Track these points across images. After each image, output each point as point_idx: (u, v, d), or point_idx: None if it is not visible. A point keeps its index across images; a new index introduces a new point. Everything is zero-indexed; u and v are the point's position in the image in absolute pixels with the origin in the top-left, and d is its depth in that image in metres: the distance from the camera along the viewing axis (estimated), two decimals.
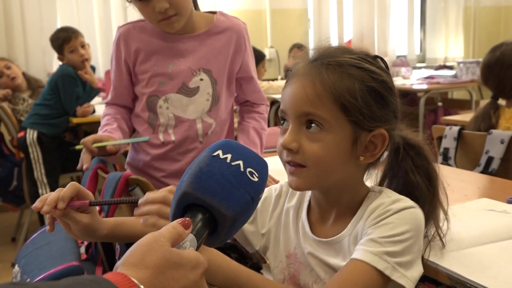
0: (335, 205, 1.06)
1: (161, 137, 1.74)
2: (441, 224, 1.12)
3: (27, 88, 3.93)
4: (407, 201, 0.99)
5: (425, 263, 1.09)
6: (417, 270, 0.96)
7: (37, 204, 1.03)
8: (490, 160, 2.15)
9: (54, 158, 3.50)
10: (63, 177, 3.71)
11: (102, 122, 1.78)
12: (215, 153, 0.72)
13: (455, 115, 4.66)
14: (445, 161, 2.32)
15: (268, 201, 1.17)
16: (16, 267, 1.54)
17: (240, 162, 0.72)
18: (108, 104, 1.86)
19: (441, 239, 1.11)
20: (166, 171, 1.74)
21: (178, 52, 1.70)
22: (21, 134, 3.44)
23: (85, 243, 1.49)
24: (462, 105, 5.08)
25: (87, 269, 1.39)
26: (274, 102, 4.26)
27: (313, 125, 0.97)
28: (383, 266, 0.92)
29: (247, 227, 1.15)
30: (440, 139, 2.41)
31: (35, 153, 3.41)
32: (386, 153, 1.06)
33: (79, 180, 4.21)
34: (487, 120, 2.35)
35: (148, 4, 1.57)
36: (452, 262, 1.08)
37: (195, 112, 1.73)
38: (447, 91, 5.36)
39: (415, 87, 4.84)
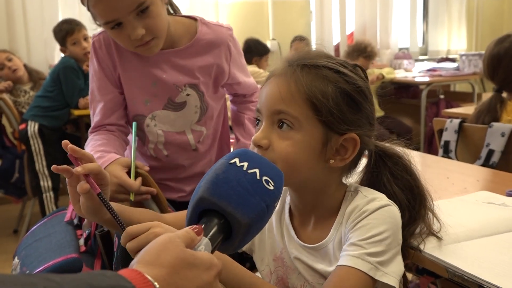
0: (313, 209, 1.08)
1: (152, 153, 1.66)
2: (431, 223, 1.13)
3: (28, 80, 3.94)
4: (381, 199, 1.01)
5: (423, 256, 1.09)
6: (397, 265, 0.98)
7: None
8: (490, 153, 2.15)
9: (55, 150, 3.50)
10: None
11: (92, 149, 1.51)
12: (232, 161, 0.74)
13: (457, 107, 4.67)
14: (446, 153, 2.32)
15: None
16: (16, 259, 1.54)
17: (257, 171, 0.73)
18: (93, 131, 1.60)
19: (435, 235, 1.12)
20: (166, 176, 1.69)
21: (160, 68, 1.57)
22: (22, 126, 3.45)
23: (84, 235, 1.49)
24: (464, 98, 5.07)
25: (86, 261, 1.40)
26: None
27: (284, 123, 0.99)
28: (367, 268, 0.94)
29: None
30: (441, 131, 2.40)
31: (37, 145, 3.42)
32: (364, 162, 1.09)
33: None
34: (493, 114, 2.32)
35: (121, 31, 1.43)
36: (449, 255, 1.08)
37: (183, 125, 1.65)
38: (449, 84, 5.35)
39: (417, 79, 4.83)
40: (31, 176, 3.51)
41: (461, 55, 5.14)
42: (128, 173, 1.42)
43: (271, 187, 0.73)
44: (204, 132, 1.68)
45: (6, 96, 3.71)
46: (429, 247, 1.10)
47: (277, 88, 1.00)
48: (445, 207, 1.35)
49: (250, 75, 1.77)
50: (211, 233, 0.67)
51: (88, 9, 1.44)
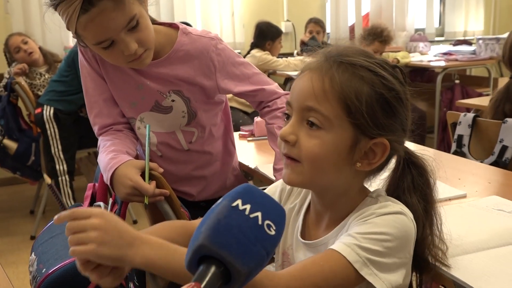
0: (330, 210, 1.05)
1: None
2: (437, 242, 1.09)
3: (43, 62, 3.97)
4: (394, 207, 0.97)
5: (432, 267, 1.10)
6: (395, 276, 0.94)
7: None
8: (504, 149, 2.14)
9: (70, 134, 3.54)
10: (79, 153, 3.76)
11: (104, 151, 1.54)
12: (235, 203, 0.71)
13: (471, 97, 4.63)
14: (459, 148, 2.31)
15: (283, 195, 1.17)
16: (33, 255, 1.58)
17: (259, 214, 0.71)
18: (101, 133, 1.62)
19: (441, 262, 1.09)
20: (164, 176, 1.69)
21: (144, 74, 1.56)
22: (38, 110, 3.48)
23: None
24: (480, 82, 5.02)
25: None
26: (290, 79, 4.24)
27: (313, 121, 0.95)
28: (353, 258, 0.91)
29: None
30: (454, 125, 2.39)
31: (52, 130, 3.45)
32: (390, 168, 1.05)
33: (96, 157, 4.25)
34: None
35: (113, 49, 1.40)
36: (457, 268, 1.09)
37: (172, 126, 1.64)
38: (465, 68, 5.29)
39: (433, 64, 4.78)
40: (46, 159, 3.55)
41: (478, 39, 5.07)
42: (142, 175, 1.44)
43: (272, 232, 0.71)
44: (196, 133, 1.67)
45: (22, 79, 3.74)
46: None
47: (311, 83, 0.96)
48: (456, 213, 1.37)
49: (261, 82, 1.65)
50: (209, 283, 0.66)
51: (75, 32, 1.40)
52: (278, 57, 4.51)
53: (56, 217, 0.89)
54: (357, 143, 0.96)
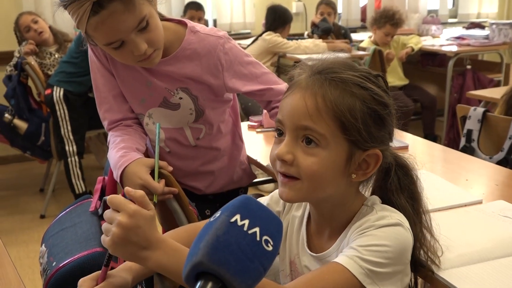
0: (329, 220, 1.08)
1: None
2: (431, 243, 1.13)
3: (54, 42, 3.96)
4: (392, 218, 1.00)
5: (435, 278, 1.12)
6: (394, 283, 0.97)
7: None
8: None
9: (80, 115, 3.56)
10: (89, 133, 3.78)
11: (114, 147, 1.56)
12: (233, 219, 0.72)
13: (483, 82, 4.59)
14: (468, 143, 2.31)
15: (287, 204, 1.20)
16: (43, 247, 1.61)
17: (257, 230, 0.72)
18: (111, 128, 1.63)
19: (433, 262, 1.12)
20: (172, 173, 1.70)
21: (152, 72, 1.57)
22: (48, 91, 3.49)
23: None
24: (492, 68, 4.97)
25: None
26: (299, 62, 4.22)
27: (310, 140, 0.98)
28: (357, 271, 0.94)
29: None
30: (464, 118, 2.39)
31: (62, 111, 3.47)
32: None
33: (105, 137, 4.26)
34: None
35: (123, 49, 1.41)
36: (462, 280, 1.10)
37: (180, 122, 1.64)
38: (477, 53, 5.23)
39: (445, 48, 4.73)
40: (56, 140, 3.58)
41: (491, 24, 5.01)
42: (152, 173, 1.46)
43: (270, 248, 0.72)
44: (204, 130, 1.67)
45: (32, 59, 3.74)
46: (441, 269, 1.13)
47: (304, 102, 0.98)
48: (461, 219, 1.38)
49: (269, 82, 1.65)
50: None
51: (85, 33, 1.41)
52: (288, 39, 4.47)
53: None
54: (352, 156, 1.00)
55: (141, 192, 0.96)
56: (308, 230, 1.14)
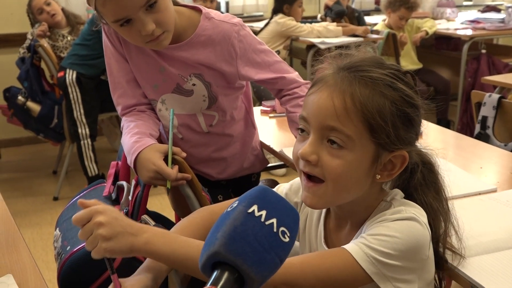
0: (349, 216, 1.06)
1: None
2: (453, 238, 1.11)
3: (66, 24, 3.95)
4: (406, 212, 0.97)
5: (448, 267, 1.11)
6: (405, 280, 0.95)
7: None
8: None
9: (93, 98, 3.56)
10: (101, 116, 3.79)
11: (128, 132, 1.56)
12: (251, 210, 0.71)
13: (498, 67, 4.53)
14: (483, 129, 2.29)
15: None
16: (57, 231, 1.62)
17: (274, 221, 0.72)
18: (124, 113, 1.63)
19: (457, 253, 1.11)
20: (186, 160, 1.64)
21: (165, 57, 1.56)
22: (60, 74, 3.50)
23: (122, 212, 1.55)
24: (507, 52, 4.92)
25: None
26: (312, 46, 4.19)
27: (335, 140, 0.94)
28: (361, 258, 0.93)
29: None
30: (479, 104, 2.36)
31: (74, 94, 3.48)
32: None
33: (118, 120, 4.27)
34: None
35: (131, 28, 1.41)
36: (475, 269, 1.10)
37: (193, 108, 1.64)
38: (492, 37, 5.16)
39: (459, 32, 4.67)
40: (69, 123, 3.59)
41: (508, 7, 4.93)
42: (165, 159, 1.46)
43: (287, 239, 0.72)
44: (216, 117, 1.67)
45: (44, 41, 3.75)
46: (454, 258, 1.12)
47: (331, 101, 0.94)
48: (475, 208, 1.37)
49: (281, 70, 1.64)
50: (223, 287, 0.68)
51: (95, 9, 1.42)
52: (301, 22, 4.43)
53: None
54: (378, 158, 0.97)
55: (92, 201, 0.97)
56: (326, 225, 1.12)
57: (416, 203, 1.03)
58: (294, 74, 1.65)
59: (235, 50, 1.56)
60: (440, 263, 1.09)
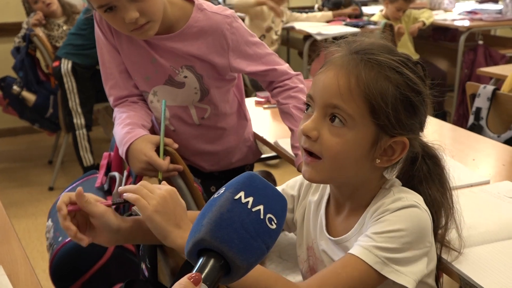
0: (349, 200, 1.08)
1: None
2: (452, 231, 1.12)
3: (62, 14, 3.94)
4: (407, 200, 0.99)
5: (439, 259, 1.11)
6: (418, 266, 0.97)
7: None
8: None
9: (88, 88, 3.55)
10: (97, 106, 3.78)
11: (120, 123, 1.56)
12: (237, 196, 0.71)
13: (495, 58, 4.52)
14: (477, 121, 2.29)
15: (302, 189, 1.20)
16: (50, 222, 1.62)
17: (261, 208, 0.71)
18: (116, 104, 1.63)
19: (453, 249, 1.12)
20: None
21: (157, 48, 1.56)
22: (56, 63, 3.49)
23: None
24: (504, 43, 4.90)
25: None
26: (309, 36, 4.17)
27: (337, 119, 0.96)
28: (372, 260, 0.94)
29: (288, 215, 1.18)
30: (473, 96, 2.36)
31: (70, 83, 3.47)
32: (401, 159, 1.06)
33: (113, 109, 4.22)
34: None
35: (115, 14, 1.40)
36: (463, 262, 1.10)
37: (185, 101, 1.64)
38: (490, 28, 5.15)
39: (457, 23, 4.66)
40: (64, 113, 3.58)
41: None
42: (157, 150, 1.46)
43: (274, 226, 0.72)
44: (208, 110, 1.67)
45: (40, 30, 3.73)
46: (444, 250, 1.12)
47: (336, 80, 0.96)
48: (467, 200, 1.37)
49: (272, 62, 1.63)
50: (209, 276, 0.67)
51: None
52: (298, 12, 4.41)
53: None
54: (378, 141, 0.98)
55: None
56: (327, 213, 1.13)
57: (420, 194, 1.04)
58: (285, 66, 1.65)
59: (227, 42, 1.56)
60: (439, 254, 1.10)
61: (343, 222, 1.09)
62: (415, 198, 1.01)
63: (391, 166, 1.06)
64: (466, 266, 1.09)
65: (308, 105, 1.03)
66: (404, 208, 0.98)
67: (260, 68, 1.61)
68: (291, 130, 1.62)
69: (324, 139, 0.97)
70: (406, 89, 0.96)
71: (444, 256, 1.10)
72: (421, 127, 1.03)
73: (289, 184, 1.22)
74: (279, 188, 1.21)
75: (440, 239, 1.09)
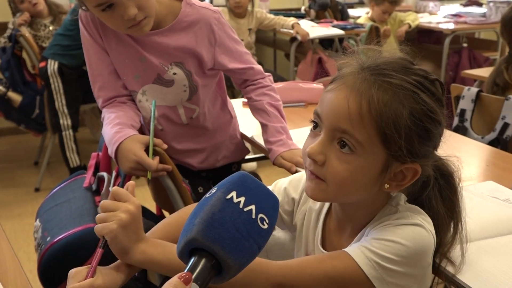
0: (352, 219, 1.04)
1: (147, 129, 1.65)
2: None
3: (48, 14, 3.92)
4: (413, 218, 0.95)
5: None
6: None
7: None
8: (505, 126, 2.16)
9: (74, 89, 3.53)
10: (83, 107, 3.77)
11: (109, 123, 1.56)
12: (229, 196, 0.71)
13: (479, 61, 4.59)
14: (461, 122, 2.32)
15: (304, 193, 1.14)
16: (38, 222, 1.63)
17: (253, 207, 0.71)
18: (105, 105, 1.63)
19: (455, 265, 1.08)
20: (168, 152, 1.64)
21: (145, 46, 1.57)
22: (42, 64, 3.47)
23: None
24: (488, 46, 4.97)
25: None
26: (295, 38, 4.19)
27: (345, 144, 0.90)
28: (362, 261, 0.91)
29: (286, 218, 1.16)
30: (458, 98, 2.40)
31: (56, 84, 3.45)
32: None
33: (100, 111, 4.19)
34: (501, 76, 2.37)
35: (113, 12, 1.41)
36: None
37: (174, 100, 1.65)
38: (474, 31, 5.22)
39: (441, 26, 4.72)
40: (51, 114, 3.56)
41: (489, 1, 4.98)
42: (146, 150, 1.47)
43: (265, 226, 0.72)
44: (197, 110, 1.69)
45: (26, 30, 3.71)
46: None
47: (346, 103, 0.89)
48: None
49: (250, 61, 1.69)
50: (200, 275, 0.67)
51: None
52: (284, 15, 4.42)
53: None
54: (388, 168, 0.92)
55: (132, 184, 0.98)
56: (326, 227, 1.09)
57: (425, 210, 1.00)
58: (259, 66, 1.72)
59: (215, 36, 1.60)
60: (437, 271, 1.06)
61: (342, 237, 1.05)
62: (421, 217, 0.96)
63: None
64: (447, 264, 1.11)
65: (315, 123, 0.96)
66: (409, 225, 0.93)
67: (240, 65, 1.66)
68: (264, 125, 1.68)
69: (331, 165, 0.91)
70: (422, 117, 0.89)
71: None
72: (435, 148, 0.97)
73: (292, 183, 1.16)
74: (281, 183, 1.18)
75: (442, 256, 1.05)
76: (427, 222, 0.96)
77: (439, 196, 1.02)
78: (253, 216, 0.71)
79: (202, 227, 0.69)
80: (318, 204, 1.12)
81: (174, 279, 0.65)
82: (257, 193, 0.74)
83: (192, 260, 0.69)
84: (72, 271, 0.92)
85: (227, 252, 0.68)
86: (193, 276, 0.67)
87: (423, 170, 0.94)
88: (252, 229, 0.71)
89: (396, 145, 0.89)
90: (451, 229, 1.04)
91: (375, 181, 0.93)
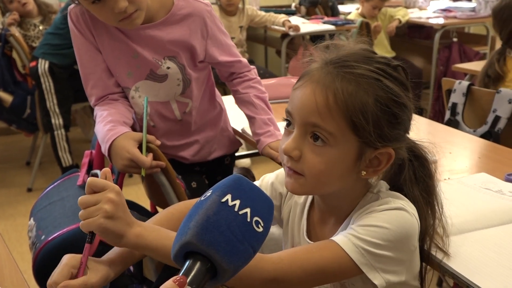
0: (335, 209, 1.06)
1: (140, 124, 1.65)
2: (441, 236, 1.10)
3: (38, 13, 3.90)
4: (395, 203, 0.97)
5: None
6: (393, 272, 0.95)
7: None
8: (497, 119, 2.17)
9: (66, 88, 3.51)
10: (75, 106, 3.76)
11: (101, 121, 1.55)
12: (224, 199, 0.71)
13: (469, 55, 4.61)
14: (453, 116, 2.33)
15: None
16: (32, 220, 1.62)
17: (248, 210, 0.71)
18: (97, 103, 1.63)
19: (442, 250, 1.10)
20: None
21: (139, 41, 1.56)
22: (33, 64, 3.45)
23: None
24: (478, 40, 4.99)
25: None
26: (287, 35, 4.20)
27: (318, 137, 0.94)
28: (350, 249, 0.93)
29: (274, 213, 1.12)
30: (449, 92, 2.41)
31: (47, 84, 3.43)
32: None
33: (92, 110, 4.18)
34: (493, 68, 2.39)
35: (104, 5, 1.40)
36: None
37: (167, 95, 1.65)
38: (464, 26, 5.24)
39: (431, 21, 4.74)
40: (42, 113, 3.55)
41: None
42: (140, 147, 1.47)
43: (260, 229, 0.72)
44: (190, 104, 1.70)
45: (16, 30, 3.69)
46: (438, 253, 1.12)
47: (313, 98, 0.93)
48: (444, 191, 1.40)
49: (237, 54, 1.71)
50: (195, 279, 0.67)
51: None
52: (275, 12, 4.43)
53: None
54: (362, 155, 0.95)
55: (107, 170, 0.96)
56: (310, 219, 1.11)
57: (405, 196, 1.03)
58: (245, 59, 1.74)
59: (207, 29, 1.62)
60: (425, 257, 1.08)
61: (326, 228, 1.08)
62: (403, 202, 0.99)
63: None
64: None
65: (288, 121, 0.99)
66: (392, 209, 0.96)
67: (229, 58, 1.68)
68: (251, 117, 1.70)
69: (307, 159, 0.95)
70: (387, 101, 0.92)
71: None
72: (406, 132, 1.00)
73: (279, 178, 1.18)
74: (268, 178, 1.19)
75: (430, 240, 1.08)
76: (410, 206, 0.99)
77: (413, 178, 1.05)
78: (248, 219, 0.71)
79: (197, 230, 0.68)
80: (302, 197, 1.14)
81: (169, 283, 0.64)
82: (252, 196, 0.74)
83: (187, 263, 0.68)
84: (66, 257, 0.93)
85: (222, 256, 0.68)
86: (188, 280, 0.66)
87: (397, 154, 0.98)
88: (247, 232, 0.71)
89: (366, 132, 0.92)
90: (430, 213, 1.06)
91: (352, 169, 0.96)
